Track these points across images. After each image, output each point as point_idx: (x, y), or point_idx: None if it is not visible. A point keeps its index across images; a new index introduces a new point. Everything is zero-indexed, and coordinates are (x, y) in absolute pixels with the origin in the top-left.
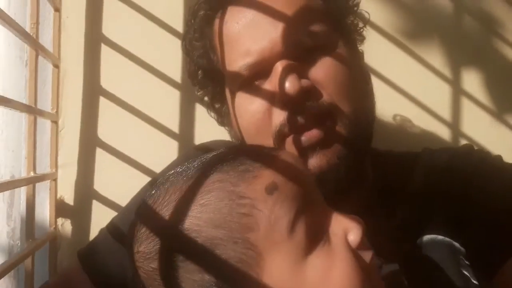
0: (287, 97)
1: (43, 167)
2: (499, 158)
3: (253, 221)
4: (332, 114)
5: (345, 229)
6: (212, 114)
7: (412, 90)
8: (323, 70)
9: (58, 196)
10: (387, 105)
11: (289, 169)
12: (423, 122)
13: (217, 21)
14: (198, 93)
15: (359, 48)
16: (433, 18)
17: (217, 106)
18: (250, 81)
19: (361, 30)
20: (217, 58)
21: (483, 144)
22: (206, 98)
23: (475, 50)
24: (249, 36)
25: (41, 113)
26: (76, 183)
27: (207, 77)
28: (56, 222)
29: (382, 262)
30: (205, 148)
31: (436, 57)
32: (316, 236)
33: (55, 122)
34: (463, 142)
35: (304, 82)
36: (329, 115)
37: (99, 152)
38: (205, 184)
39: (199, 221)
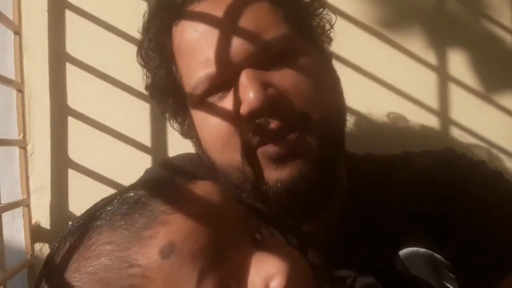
0: (253, 108)
1: (17, 193)
2: (482, 163)
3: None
4: (301, 122)
5: (266, 277)
6: (175, 126)
7: (396, 82)
8: (289, 77)
9: (34, 221)
10: (373, 101)
11: (195, 218)
12: (412, 114)
13: (174, 29)
14: (158, 107)
15: (327, 49)
16: (411, 3)
17: (179, 119)
18: (212, 92)
19: (328, 32)
20: (176, 68)
21: (474, 129)
22: (166, 112)
23: (457, 32)
24: (208, 45)
25: (8, 142)
26: (51, 207)
27: (167, 89)
28: (33, 247)
29: (356, 274)
30: (169, 164)
31: (417, 44)
32: None
33: (23, 148)
34: (455, 130)
35: (270, 91)
36: (299, 123)
37: (72, 173)
38: (97, 244)
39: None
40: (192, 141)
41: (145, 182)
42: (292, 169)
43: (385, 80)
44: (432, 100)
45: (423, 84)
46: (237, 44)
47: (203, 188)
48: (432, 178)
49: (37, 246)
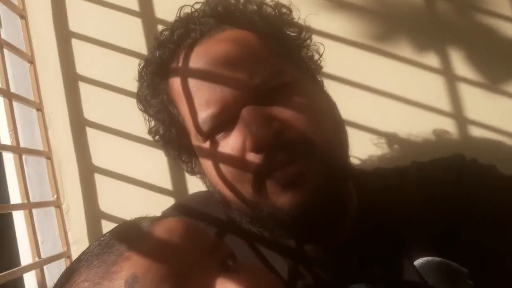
0: (258, 142)
1: (58, 247)
2: (492, 168)
3: None
4: (306, 149)
5: None
6: (182, 165)
7: (404, 92)
8: (288, 108)
9: None
10: (387, 117)
11: (155, 252)
12: (426, 121)
13: (170, 75)
14: (163, 149)
15: (319, 77)
16: (398, 12)
17: (185, 158)
18: (216, 131)
19: (318, 61)
20: (177, 111)
21: (490, 123)
22: (171, 153)
23: (451, 29)
24: (206, 87)
25: (45, 204)
26: None
27: (169, 131)
28: None
29: (371, 287)
30: (182, 207)
31: (415, 50)
32: None
33: (58, 207)
34: (472, 128)
35: (272, 124)
36: (304, 150)
37: (105, 223)
38: (77, 283)
39: None
40: (200, 178)
41: (116, 227)
42: (304, 192)
43: (394, 93)
44: (443, 103)
45: (430, 88)
46: (235, 83)
47: (165, 225)
48: (442, 189)
49: None
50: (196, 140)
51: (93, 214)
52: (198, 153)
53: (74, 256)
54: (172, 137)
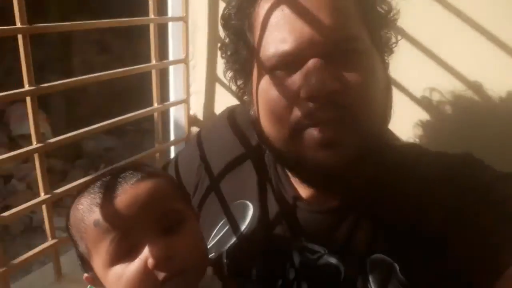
0: (312, 94)
1: (181, 95)
2: (491, 169)
3: (85, 236)
4: (349, 117)
5: (148, 255)
6: (233, 87)
7: None
8: (352, 77)
9: (191, 113)
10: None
11: (111, 212)
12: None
13: (261, 3)
14: (224, 66)
15: (386, 59)
16: None
17: (239, 83)
18: (281, 68)
19: (393, 45)
20: (253, 38)
21: None
22: (230, 72)
23: None
24: (290, 25)
25: (177, 61)
26: (204, 105)
27: (238, 54)
28: (189, 130)
29: (325, 252)
30: (232, 112)
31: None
32: (127, 254)
33: (186, 64)
34: None
35: (333, 84)
36: (347, 117)
37: (218, 86)
38: (78, 203)
39: (70, 218)
40: (246, 104)
41: (110, 171)
42: (331, 154)
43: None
44: None
45: None
46: (316, 33)
47: (139, 187)
48: (444, 182)
49: (193, 129)
50: (258, 69)
51: (211, 75)
52: (255, 82)
53: (192, 103)
54: (238, 60)
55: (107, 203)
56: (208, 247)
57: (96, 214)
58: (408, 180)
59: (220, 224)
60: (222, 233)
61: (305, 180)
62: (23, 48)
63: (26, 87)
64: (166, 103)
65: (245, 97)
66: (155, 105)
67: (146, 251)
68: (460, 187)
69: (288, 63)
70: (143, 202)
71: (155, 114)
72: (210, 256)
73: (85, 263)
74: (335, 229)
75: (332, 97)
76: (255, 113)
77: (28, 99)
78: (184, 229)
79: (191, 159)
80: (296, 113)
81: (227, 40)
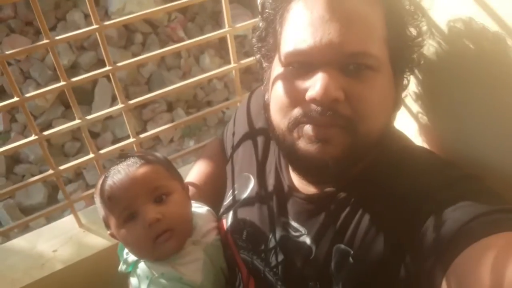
0: (316, 98)
1: None
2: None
3: (104, 206)
4: (346, 126)
5: (143, 218)
6: (258, 66)
7: None
8: (358, 90)
9: None
10: None
11: (118, 187)
12: None
13: (296, 1)
14: (254, 48)
15: (405, 79)
16: None
17: (264, 64)
18: (295, 64)
19: (414, 66)
20: (281, 30)
21: None
22: (258, 55)
23: None
24: (313, 29)
25: None
26: None
27: (266, 40)
28: None
29: (304, 233)
30: (257, 93)
31: None
32: (130, 217)
33: None
34: None
35: (338, 93)
36: (344, 125)
37: None
38: (99, 181)
39: (95, 193)
40: (263, 88)
41: (119, 158)
42: (321, 148)
43: None
44: None
45: None
46: (335, 42)
47: (137, 172)
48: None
49: None
50: (277, 60)
51: None
52: (273, 71)
53: None
54: (265, 46)
55: (115, 184)
56: (224, 204)
57: (107, 193)
58: (392, 181)
59: (231, 190)
60: (231, 197)
61: (295, 169)
62: None
63: None
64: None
65: (265, 81)
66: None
67: (142, 216)
68: (431, 188)
69: (302, 63)
70: (139, 182)
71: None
72: (220, 213)
73: (107, 224)
74: (315, 215)
75: (333, 105)
76: (268, 99)
77: None
78: (171, 199)
79: (239, 115)
80: (298, 110)
81: (260, 24)
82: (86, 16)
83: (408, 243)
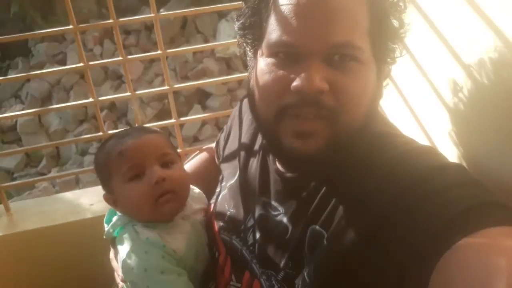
0: (301, 90)
1: None
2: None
3: (109, 162)
4: (330, 117)
5: (150, 177)
6: (242, 53)
7: None
8: (343, 81)
9: None
10: None
11: (131, 145)
12: None
13: None
14: (238, 36)
15: (388, 68)
16: None
17: (249, 55)
18: (279, 56)
19: (397, 56)
20: (266, 18)
21: None
22: (241, 44)
23: None
24: (297, 19)
25: None
26: None
27: (251, 28)
28: None
29: (283, 212)
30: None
31: None
32: (136, 176)
33: None
34: None
35: (322, 84)
36: (328, 117)
37: None
38: (104, 142)
39: (97, 153)
40: (247, 76)
41: (126, 129)
42: (303, 143)
43: None
44: None
45: None
46: (319, 33)
47: (147, 136)
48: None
49: None
50: (262, 49)
51: None
52: (258, 60)
53: None
54: (251, 34)
55: (128, 142)
56: (217, 191)
57: (119, 148)
58: (370, 167)
59: (221, 177)
60: (220, 184)
61: (279, 160)
62: None
63: None
64: None
65: (249, 69)
66: None
67: (148, 174)
68: (406, 180)
69: (287, 53)
70: (151, 145)
71: None
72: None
73: (106, 187)
74: (294, 195)
75: (317, 96)
76: (252, 87)
77: None
78: (174, 166)
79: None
80: (283, 100)
81: (246, 11)
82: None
83: (383, 234)
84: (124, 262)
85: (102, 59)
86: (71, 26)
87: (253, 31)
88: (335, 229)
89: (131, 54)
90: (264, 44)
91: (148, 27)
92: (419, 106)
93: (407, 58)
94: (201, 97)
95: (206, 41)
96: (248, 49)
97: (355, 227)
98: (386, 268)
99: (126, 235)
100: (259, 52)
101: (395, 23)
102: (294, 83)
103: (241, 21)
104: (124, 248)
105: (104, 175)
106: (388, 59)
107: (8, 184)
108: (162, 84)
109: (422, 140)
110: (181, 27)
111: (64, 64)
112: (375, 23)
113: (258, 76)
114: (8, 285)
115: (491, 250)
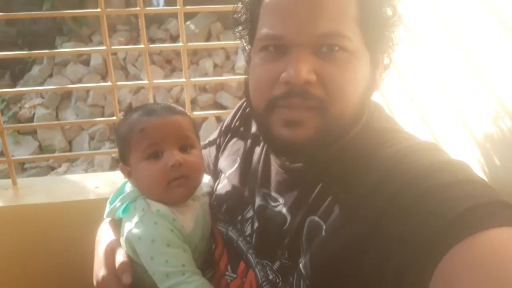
0: (289, 81)
1: None
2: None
3: (130, 137)
4: (319, 109)
5: (167, 159)
6: (241, 48)
7: None
8: (332, 71)
9: None
10: None
11: (154, 124)
12: None
13: None
14: (235, 30)
15: (388, 58)
16: None
17: (247, 49)
18: (269, 49)
19: (392, 44)
20: (257, 15)
21: None
22: (239, 39)
23: None
24: (284, 12)
25: None
26: None
27: (246, 24)
28: None
29: (282, 203)
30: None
31: None
32: (154, 155)
33: None
34: None
35: (309, 75)
36: (316, 109)
37: None
38: (127, 114)
39: (119, 125)
40: (245, 69)
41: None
42: (293, 132)
43: None
44: None
45: None
46: (305, 24)
47: (171, 117)
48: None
49: None
50: (255, 43)
51: None
52: (252, 53)
53: None
54: (246, 30)
55: (152, 120)
56: (215, 185)
57: (142, 124)
58: (370, 162)
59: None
60: (219, 177)
61: (271, 149)
62: None
63: None
64: None
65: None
66: None
67: (166, 156)
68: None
69: (276, 46)
70: (174, 126)
71: None
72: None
73: (123, 158)
74: (294, 186)
75: (305, 87)
76: (247, 82)
77: None
78: (193, 152)
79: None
80: (274, 92)
81: (240, 7)
82: (215, 65)
83: (382, 229)
84: (130, 232)
85: (125, 63)
86: (99, 10)
87: (247, 27)
88: (334, 221)
89: (154, 62)
90: (256, 39)
91: (173, 37)
92: (423, 102)
93: (410, 56)
94: (217, 109)
95: (227, 57)
96: (245, 45)
97: (354, 220)
98: (384, 264)
99: (137, 206)
100: (253, 46)
101: (388, 11)
102: (282, 75)
103: (236, 17)
104: (133, 219)
105: (124, 146)
106: (384, 49)
107: (18, 158)
108: (181, 92)
109: (426, 138)
110: (205, 40)
111: (88, 65)
112: (365, 11)
113: (251, 70)
114: (10, 255)
115: (495, 252)
